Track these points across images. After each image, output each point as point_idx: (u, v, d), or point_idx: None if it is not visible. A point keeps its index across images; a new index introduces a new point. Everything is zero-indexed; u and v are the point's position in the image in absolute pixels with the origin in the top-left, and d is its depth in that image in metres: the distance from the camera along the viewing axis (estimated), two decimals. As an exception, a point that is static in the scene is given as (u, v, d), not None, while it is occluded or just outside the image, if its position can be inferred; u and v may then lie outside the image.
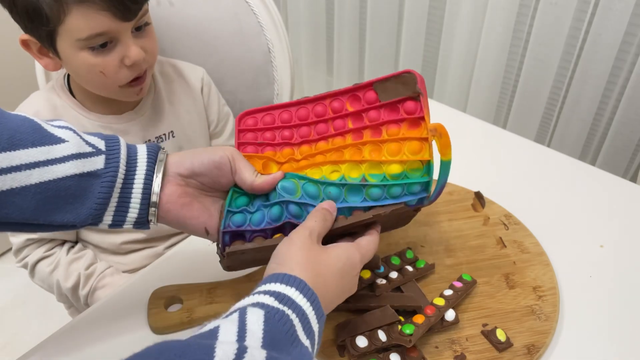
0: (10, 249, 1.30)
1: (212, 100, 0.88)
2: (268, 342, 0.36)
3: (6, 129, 0.43)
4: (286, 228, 0.52)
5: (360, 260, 0.49)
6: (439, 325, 0.55)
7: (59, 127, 0.47)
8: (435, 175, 0.51)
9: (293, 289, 0.41)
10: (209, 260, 0.65)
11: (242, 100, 0.98)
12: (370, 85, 0.55)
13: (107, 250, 0.84)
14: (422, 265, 0.61)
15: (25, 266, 0.81)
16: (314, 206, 0.51)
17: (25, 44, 0.70)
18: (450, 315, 0.55)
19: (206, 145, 0.87)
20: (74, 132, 0.47)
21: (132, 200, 0.49)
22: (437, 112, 0.94)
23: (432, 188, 0.53)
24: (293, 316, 0.39)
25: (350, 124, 0.55)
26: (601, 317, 0.58)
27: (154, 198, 0.49)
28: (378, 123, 0.54)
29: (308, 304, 0.41)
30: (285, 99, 0.97)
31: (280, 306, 0.39)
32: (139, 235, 0.83)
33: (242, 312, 0.38)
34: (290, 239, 0.47)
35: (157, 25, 0.89)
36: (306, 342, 0.39)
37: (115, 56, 0.69)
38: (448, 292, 0.57)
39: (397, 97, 0.53)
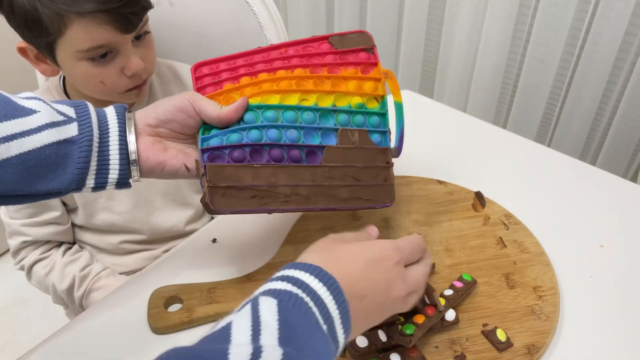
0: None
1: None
2: (285, 334, 0.34)
3: None
4: (264, 153, 0.54)
5: (393, 248, 0.45)
6: (439, 325, 0.55)
7: (27, 98, 0.48)
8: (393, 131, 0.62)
9: (306, 274, 0.40)
10: (209, 260, 0.66)
11: (242, 100, 0.98)
12: (325, 39, 0.61)
13: (104, 251, 0.84)
14: (422, 265, 0.61)
15: (22, 268, 0.81)
16: (294, 128, 0.56)
17: (22, 51, 0.69)
18: (450, 315, 0.55)
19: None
20: (43, 102, 0.48)
21: (111, 160, 0.50)
22: (437, 112, 0.94)
23: (392, 137, 0.61)
24: (308, 299, 0.38)
25: (306, 64, 0.60)
26: (601, 317, 0.58)
27: (132, 156, 0.51)
28: (337, 62, 0.60)
29: (325, 288, 0.39)
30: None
31: (294, 289, 0.38)
32: (138, 236, 0.83)
33: (255, 303, 0.36)
34: (317, 243, 0.46)
35: (157, 25, 0.89)
36: (324, 327, 0.37)
37: (115, 67, 0.68)
38: (448, 292, 0.57)
39: (352, 47, 0.61)
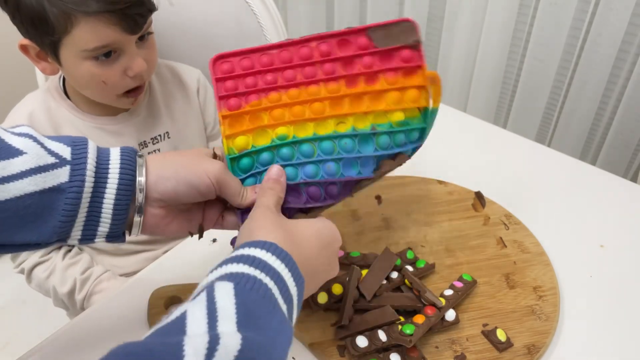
0: (10, 249, 1.30)
1: (209, 102, 0.88)
2: (243, 318, 0.33)
3: None
4: (302, 192, 0.51)
5: (335, 227, 0.46)
6: (439, 325, 0.55)
7: (19, 134, 0.42)
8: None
9: (264, 251, 0.38)
10: (209, 260, 0.65)
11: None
12: (363, 31, 0.52)
13: (104, 252, 0.84)
14: (422, 265, 0.61)
15: (22, 272, 0.81)
16: (330, 161, 0.51)
17: (24, 48, 0.70)
18: (450, 315, 0.55)
19: (203, 146, 0.87)
20: (35, 140, 0.42)
21: (103, 213, 0.44)
22: (438, 112, 0.94)
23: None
24: (267, 280, 0.36)
25: (341, 70, 0.52)
26: (601, 317, 0.58)
27: (136, 218, 0.46)
28: (375, 70, 0.52)
29: (283, 265, 0.38)
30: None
31: (251, 270, 0.36)
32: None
33: (210, 290, 0.34)
34: (249, 218, 0.44)
35: (157, 25, 0.89)
36: (283, 307, 0.36)
37: (118, 67, 0.69)
38: (448, 292, 0.57)
39: (395, 45, 0.52)
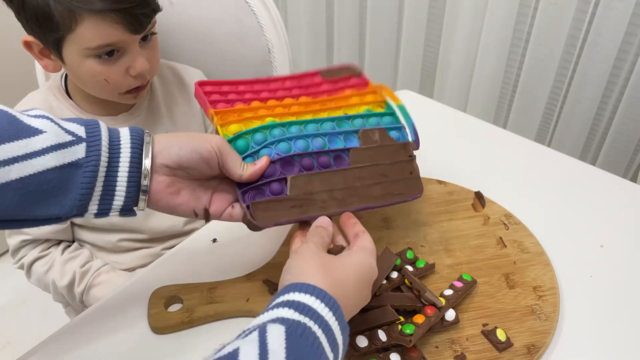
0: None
1: None
2: None
3: None
4: (295, 164, 0.57)
5: (374, 260, 0.49)
6: (439, 325, 0.55)
7: (35, 116, 0.45)
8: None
9: (313, 298, 0.40)
10: (209, 260, 0.66)
11: (242, 100, 0.98)
12: (315, 74, 0.67)
13: (103, 249, 0.84)
14: (422, 265, 0.61)
15: (21, 267, 0.81)
16: (318, 136, 0.58)
17: (27, 45, 0.70)
18: (450, 315, 0.55)
19: None
20: (52, 120, 0.45)
21: (118, 187, 0.47)
22: (437, 112, 0.94)
23: (408, 132, 0.65)
24: (315, 328, 0.38)
25: (305, 93, 0.65)
26: (601, 317, 0.58)
27: (144, 182, 0.48)
28: (334, 89, 0.66)
29: (330, 313, 0.39)
30: (285, 99, 0.97)
31: (302, 318, 0.38)
32: (137, 235, 0.83)
33: (262, 331, 0.36)
34: (298, 254, 0.46)
35: (157, 25, 0.89)
36: (330, 356, 0.38)
37: (121, 66, 0.69)
38: (448, 292, 0.57)
39: (342, 76, 0.68)
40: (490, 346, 0.54)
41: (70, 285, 0.79)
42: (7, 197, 0.42)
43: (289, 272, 0.45)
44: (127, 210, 0.49)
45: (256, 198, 0.54)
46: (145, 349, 0.56)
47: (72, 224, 0.83)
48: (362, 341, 0.52)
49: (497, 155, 0.82)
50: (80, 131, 0.46)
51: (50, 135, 0.44)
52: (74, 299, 0.80)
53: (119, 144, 0.47)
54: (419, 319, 0.53)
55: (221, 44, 0.94)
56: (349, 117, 0.62)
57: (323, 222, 0.52)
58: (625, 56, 1.20)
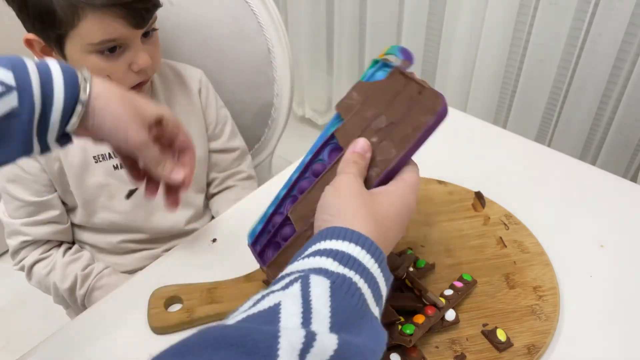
0: (10, 249, 1.30)
1: (210, 101, 0.88)
2: (337, 321, 0.32)
3: None
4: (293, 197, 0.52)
5: (414, 196, 0.44)
6: (439, 325, 0.55)
7: None
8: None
9: (358, 248, 0.36)
10: (209, 260, 0.66)
11: (242, 100, 0.98)
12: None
13: (104, 250, 0.84)
14: (422, 265, 0.61)
15: (22, 269, 0.81)
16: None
17: (29, 43, 0.70)
18: (450, 315, 0.55)
19: (205, 149, 0.87)
20: None
21: (50, 127, 0.45)
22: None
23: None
24: (361, 283, 0.35)
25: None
26: (601, 317, 0.58)
27: (82, 96, 0.46)
28: None
29: (376, 265, 0.37)
30: (284, 99, 0.97)
31: (346, 271, 0.35)
32: (138, 235, 0.83)
33: (305, 284, 0.34)
34: (336, 188, 0.42)
35: (157, 24, 0.89)
36: (375, 312, 0.36)
37: (123, 62, 0.69)
38: (448, 292, 0.57)
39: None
40: (490, 346, 0.54)
41: (72, 288, 0.79)
42: None
43: (327, 210, 0.41)
44: (63, 141, 0.48)
45: (272, 253, 0.52)
46: (145, 349, 0.56)
47: (73, 225, 0.83)
48: (362, 341, 0.52)
49: (497, 155, 0.82)
50: (9, 79, 0.43)
51: None
52: (75, 302, 0.80)
53: (52, 86, 0.45)
54: (419, 319, 0.53)
55: (221, 44, 0.94)
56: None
57: (361, 147, 0.45)
58: (625, 56, 1.20)
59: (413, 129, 0.45)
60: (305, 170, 0.52)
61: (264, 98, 0.98)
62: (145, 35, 0.71)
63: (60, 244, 0.82)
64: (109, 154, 0.77)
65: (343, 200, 0.41)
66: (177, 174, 0.54)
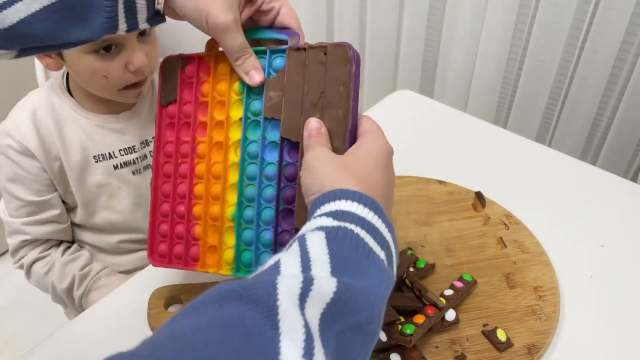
0: (10, 249, 1.30)
1: None
2: (337, 266, 0.32)
3: None
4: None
5: (384, 140, 0.44)
6: (439, 325, 0.55)
7: None
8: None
9: (349, 202, 0.36)
10: (209, 260, 0.65)
11: (242, 100, 0.98)
12: None
13: (103, 250, 0.84)
14: (422, 265, 0.61)
15: (21, 267, 0.81)
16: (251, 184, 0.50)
17: None
18: (450, 315, 0.55)
19: None
20: None
21: (138, 5, 0.44)
22: (437, 112, 0.94)
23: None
24: (358, 229, 0.35)
25: None
26: (601, 317, 0.58)
27: None
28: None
29: (372, 213, 0.36)
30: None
31: (342, 223, 0.35)
32: (138, 235, 0.83)
33: (302, 240, 0.34)
34: (309, 166, 0.42)
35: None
36: (381, 254, 0.35)
37: (119, 61, 0.69)
38: (448, 292, 0.57)
39: None
40: (490, 346, 0.54)
41: (70, 288, 0.79)
42: (36, 27, 0.41)
43: (310, 190, 0.41)
44: (155, 19, 0.47)
45: None
46: (145, 349, 0.56)
47: (73, 225, 0.83)
48: (362, 341, 0.52)
49: (497, 155, 0.82)
50: None
51: None
52: (72, 302, 0.80)
53: None
54: (419, 319, 0.53)
55: (221, 44, 0.94)
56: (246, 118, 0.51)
57: (312, 127, 0.45)
58: (625, 56, 1.20)
59: (342, 85, 0.46)
60: (279, 180, 0.50)
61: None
62: (142, 34, 0.71)
63: (59, 243, 0.82)
64: (109, 153, 0.77)
65: (317, 174, 0.41)
66: (255, 76, 0.48)
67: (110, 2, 0.43)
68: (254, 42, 0.49)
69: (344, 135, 0.46)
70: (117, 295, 0.62)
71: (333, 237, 0.34)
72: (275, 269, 0.32)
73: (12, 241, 0.79)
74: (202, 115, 0.53)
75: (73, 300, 0.80)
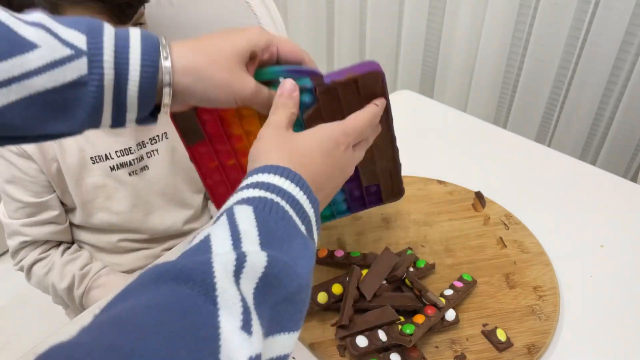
0: (10, 249, 1.30)
1: None
2: (265, 239, 0.34)
3: None
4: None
5: (343, 132, 0.44)
6: (439, 325, 0.55)
7: (32, 24, 0.39)
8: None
9: (277, 177, 0.39)
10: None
11: (242, 100, 0.98)
12: None
13: (103, 250, 0.84)
14: (422, 265, 0.61)
15: (21, 269, 0.81)
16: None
17: None
18: (450, 315, 0.55)
19: None
20: (48, 31, 0.39)
21: (129, 101, 0.42)
22: (437, 112, 0.94)
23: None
24: (283, 202, 0.37)
25: None
26: (601, 317, 0.58)
27: (166, 78, 0.42)
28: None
29: (297, 188, 0.39)
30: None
31: (268, 194, 0.37)
32: (137, 235, 0.83)
33: (230, 213, 0.35)
34: (258, 137, 0.43)
35: (157, 25, 0.89)
36: (302, 228, 0.37)
37: None
38: (448, 292, 0.57)
39: None
40: (490, 346, 0.54)
41: (70, 288, 0.79)
42: (12, 117, 0.39)
43: (251, 159, 0.42)
44: (145, 120, 0.45)
45: None
46: (145, 349, 0.56)
47: (72, 225, 0.83)
48: (362, 341, 0.52)
49: (497, 155, 0.82)
50: (81, 42, 0.39)
51: (46, 50, 0.38)
52: (73, 302, 0.80)
53: (128, 55, 0.41)
54: (419, 319, 0.53)
55: (221, 44, 0.94)
56: None
57: (287, 89, 0.46)
58: (625, 56, 1.20)
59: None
60: None
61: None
62: None
63: (59, 244, 0.82)
64: (106, 155, 0.77)
65: (262, 145, 0.43)
66: (289, 89, 0.46)
67: (95, 100, 0.40)
68: (265, 83, 0.48)
69: (392, 148, 0.52)
70: (117, 295, 0.62)
71: (260, 210, 0.36)
72: (207, 244, 0.33)
73: (12, 243, 0.79)
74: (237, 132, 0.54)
75: (74, 300, 0.80)
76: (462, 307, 0.58)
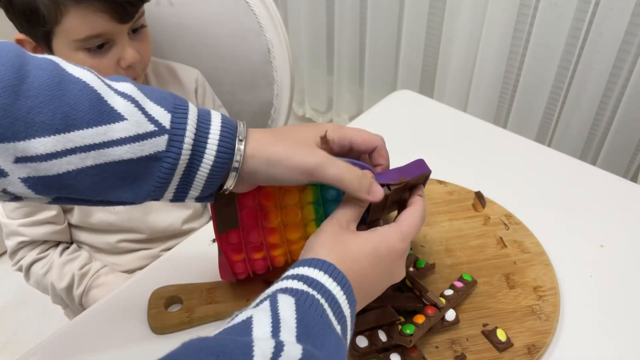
0: (10, 249, 1.30)
1: (207, 101, 0.88)
2: (302, 332, 0.35)
3: (62, 105, 0.38)
4: None
5: (400, 239, 0.45)
6: (439, 325, 0.55)
7: (122, 94, 0.41)
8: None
9: (321, 273, 0.40)
10: (209, 260, 0.65)
11: (242, 100, 0.98)
12: None
13: (102, 250, 0.84)
14: (422, 265, 0.61)
15: (20, 269, 0.81)
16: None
17: (20, 43, 0.70)
18: (450, 315, 0.55)
19: None
20: (137, 104, 0.41)
21: (196, 181, 0.44)
22: (437, 112, 0.94)
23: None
24: (322, 300, 0.38)
25: None
26: (601, 317, 0.58)
27: (236, 158, 0.43)
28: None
29: (338, 287, 0.40)
30: (284, 99, 0.97)
31: (310, 290, 0.38)
32: (136, 235, 0.83)
33: (273, 300, 0.37)
34: (319, 229, 0.45)
35: (156, 25, 0.89)
36: (337, 328, 0.38)
37: (111, 58, 0.69)
38: (448, 292, 0.57)
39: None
40: (490, 346, 0.54)
41: (69, 287, 0.79)
42: (83, 182, 0.41)
43: (306, 248, 0.45)
44: (204, 198, 0.47)
45: None
46: (145, 349, 0.56)
47: (70, 225, 0.83)
48: (362, 341, 0.52)
49: (497, 155, 0.82)
50: (165, 120, 0.42)
51: (131, 124, 0.40)
52: (72, 302, 0.80)
53: (207, 138, 0.43)
54: (419, 319, 0.53)
55: (221, 44, 0.94)
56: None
57: (373, 190, 0.46)
58: (625, 56, 1.20)
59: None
60: None
61: (263, 98, 0.98)
62: (135, 32, 0.71)
63: (57, 244, 0.82)
64: None
65: (316, 238, 0.45)
66: (377, 192, 0.46)
67: (166, 176, 0.42)
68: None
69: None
70: (117, 295, 0.62)
71: (301, 304, 0.37)
72: (248, 326, 0.35)
73: (10, 243, 0.79)
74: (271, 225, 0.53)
75: (73, 299, 0.80)
76: (462, 307, 0.58)
